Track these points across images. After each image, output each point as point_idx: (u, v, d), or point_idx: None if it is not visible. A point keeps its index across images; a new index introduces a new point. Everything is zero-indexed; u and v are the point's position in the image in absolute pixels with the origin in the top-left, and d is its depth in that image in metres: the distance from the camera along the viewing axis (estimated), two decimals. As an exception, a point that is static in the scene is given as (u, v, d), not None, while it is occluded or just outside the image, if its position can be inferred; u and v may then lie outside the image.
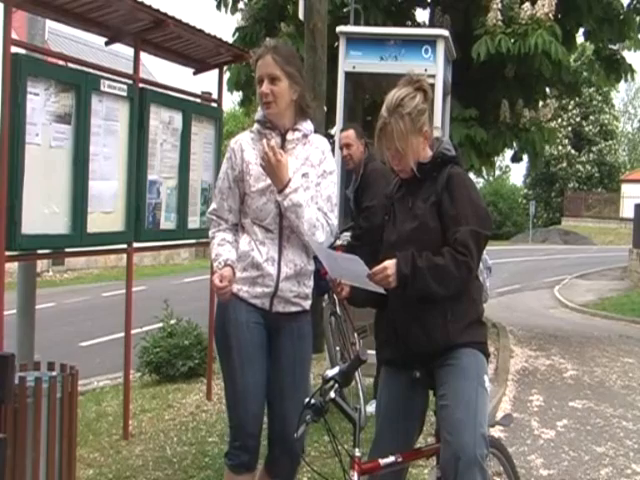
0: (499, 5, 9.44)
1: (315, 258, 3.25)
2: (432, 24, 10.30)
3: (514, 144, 11.06)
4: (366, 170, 5.55)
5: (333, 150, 7.03)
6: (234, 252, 3.20)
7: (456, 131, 9.36)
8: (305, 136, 3.29)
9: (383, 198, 3.21)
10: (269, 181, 3.16)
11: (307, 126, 3.30)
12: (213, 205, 3.34)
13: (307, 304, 3.31)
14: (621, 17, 11.08)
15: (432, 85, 6.43)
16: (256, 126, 3.30)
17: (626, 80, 12.48)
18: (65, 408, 3.63)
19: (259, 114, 3.29)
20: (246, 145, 3.26)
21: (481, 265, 3.10)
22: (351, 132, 5.69)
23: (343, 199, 6.35)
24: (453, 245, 2.79)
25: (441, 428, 2.87)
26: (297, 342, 3.29)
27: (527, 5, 9.49)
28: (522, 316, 14.29)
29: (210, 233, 3.32)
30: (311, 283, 3.33)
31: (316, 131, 3.43)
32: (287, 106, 3.21)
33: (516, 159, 11.99)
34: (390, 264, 2.79)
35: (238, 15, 11.61)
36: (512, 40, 9.27)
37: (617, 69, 11.92)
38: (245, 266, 3.19)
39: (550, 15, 9.35)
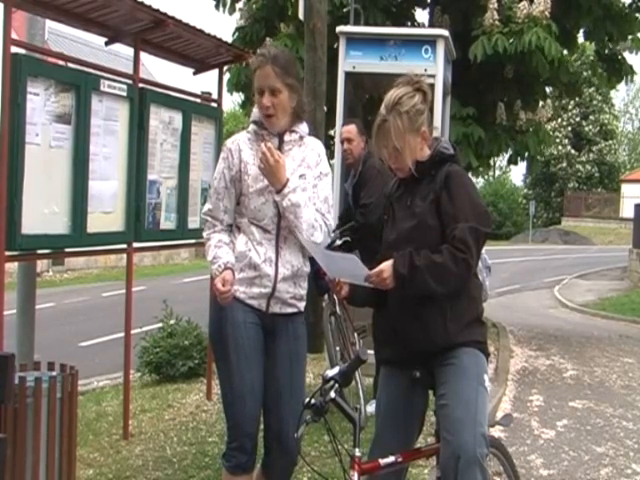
0: (496, 5, 9.45)
1: (313, 259, 3.25)
2: (431, 24, 10.31)
3: (509, 147, 11.07)
4: (364, 167, 5.55)
5: (334, 148, 7.06)
6: (232, 254, 3.19)
7: (454, 129, 9.36)
8: (301, 138, 3.32)
9: (382, 196, 3.21)
10: (267, 182, 3.17)
11: (303, 128, 3.33)
12: (208, 206, 3.32)
13: (302, 305, 3.33)
14: (623, 14, 11.06)
15: (432, 85, 6.44)
16: (252, 127, 3.30)
17: (627, 82, 12.47)
18: (65, 408, 3.64)
19: (255, 115, 3.30)
20: (243, 145, 3.26)
21: (480, 264, 3.10)
22: (353, 127, 5.67)
23: (343, 194, 6.30)
24: (451, 242, 2.79)
25: (441, 427, 2.87)
26: (293, 343, 3.30)
27: (524, 4, 9.50)
28: (522, 316, 14.29)
29: (205, 234, 3.30)
30: (306, 285, 3.34)
31: (315, 132, 3.44)
32: (286, 115, 3.24)
33: (511, 162, 12.00)
34: (386, 266, 2.79)
35: (238, 15, 11.61)
36: (509, 40, 9.28)
37: (618, 70, 11.92)
38: (242, 267, 3.18)
39: (546, 13, 9.35)
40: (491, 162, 11.97)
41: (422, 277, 2.76)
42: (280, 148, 3.24)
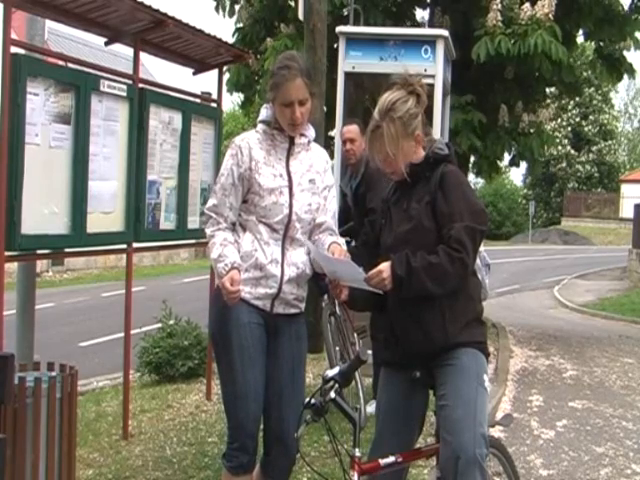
0: (499, 6, 9.45)
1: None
2: (431, 24, 10.31)
3: (512, 149, 11.06)
4: (368, 168, 5.45)
5: (333, 149, 7.06)
6: (237, 254, 3.17)
7: (453, 117, 9.35)
8: (308, 142, 3.34)
9: (381, 203, 3.20)
10: (279, 182, 3.19)
11: (311, 132, 3.36)
12: (213, 201, 3.27)
13: (303, 306, 3.35)
14: (621, 18, 11.08)
15: (432, 85, 6.44)
16: (261, 126, 3.29)
17: (629, 77, 12.44)
18: (65, 408, 3.63)
19: (264, 115, 3.29)
20: (254, 144, 3.25)
21: (479, 262, 3.10)
22: (355, 127, 5.61)
23: (340, 195, 6.25)
24: (447, 242, 2.79)
25: (441, 428, 2.87)
26: (295, 343, 3.31)
27: (527, 6, 9.50)
28: (522, 316, 14.30)
29: (208, 231, 3.26)
30: (306, 286, 3.35)
31: (315, 132, 3.45)
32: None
33: (514, 163, 12.00)
34: (385, 267, 2.79)
35: (237, 16, 11.61)
36: (512, 41, 9.28)
37: (618, 68, 11.93)
38: (248, 267, 3.17)
39: (550, 16, 9.35)
40: (498, 166, 11.94)
41: (419, 278, 2.76)
42: (290, 150, 3.26)
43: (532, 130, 10.71)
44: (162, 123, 5.50)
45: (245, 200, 3.24)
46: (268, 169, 3.20)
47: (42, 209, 4.38)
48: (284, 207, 3.19)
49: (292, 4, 10.40)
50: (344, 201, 5.85)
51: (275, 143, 3.26)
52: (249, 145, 3.24)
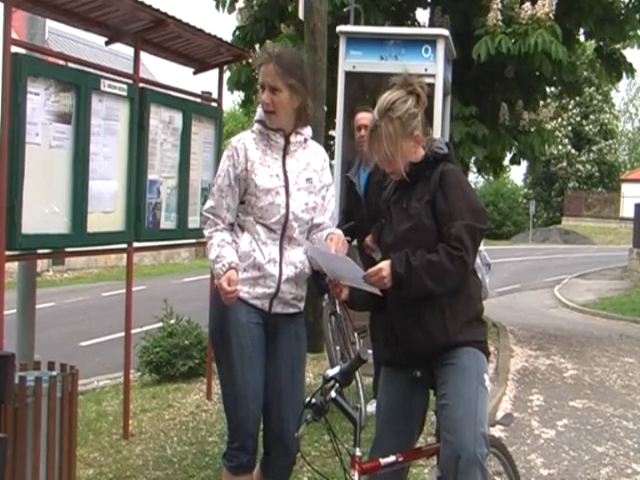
0: (499, 5, 9.44)
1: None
2: (432, 24, 10.31)
3: (513, 147, 11.07)
4: None
5: (334, 149, 7.06)
6: (235, 254, 3.17)
7: (457, 129, 9.37)
8: (305, 140, 3.33)
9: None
10: (275, 182, 3.19)
11: (307, 131, 3.35)
12: (210, 203, 3.28)
13: (302, 306, 3.35)
14: (622, 17, 11.09)
15: (432, 85, 6.43)
16: (257, 126, 3.29)
17: (628, 76, 12.45)
18: (65, 408, 3.64)
19: (260, 114, 3.29)
20: (249, 144, 3.25)
21: (480, 262, 3.11)
22: (370, 114, 5.56)
23: (344, 186, 6.16)
24: (447, 241, 2.79)
25: (441, 427, 2.87)
26: (295, 343, 3.31)
27: (527, 5, 9.50)
28: (522, 316, 14.29)
29: (207, 232, 3.27)
30: (306, 286, 3.35)
31: (315, 132, 3.44)
32: (287, 115, 3.23)
33: (514, 162, 12.00)
34: (385, 265, 2.79)
35: (238, 15, 11.59)
36: (512, 40, 9.28)
37: (617, 67, 11.94)
38: (246, 267, 3.17)
39: (550, 15, 9.35)
40: (502, 163, 11.96)
41: (419, 276, 2.76)
42: (286, 149, 3.26)
43: (533, 128, 10.72)
44: (162, 122, 5.50)
45: (242, 201, 3.24)
46: (264, 169, 3.20)
47: (42, 209, 4.38)
48: (281, 207, 3.18)
49: (293, 3, 10.40)
50: (353, 191, 5.79)
51: (271, 143, 3.25)
52: (245, 146, 3.24)
